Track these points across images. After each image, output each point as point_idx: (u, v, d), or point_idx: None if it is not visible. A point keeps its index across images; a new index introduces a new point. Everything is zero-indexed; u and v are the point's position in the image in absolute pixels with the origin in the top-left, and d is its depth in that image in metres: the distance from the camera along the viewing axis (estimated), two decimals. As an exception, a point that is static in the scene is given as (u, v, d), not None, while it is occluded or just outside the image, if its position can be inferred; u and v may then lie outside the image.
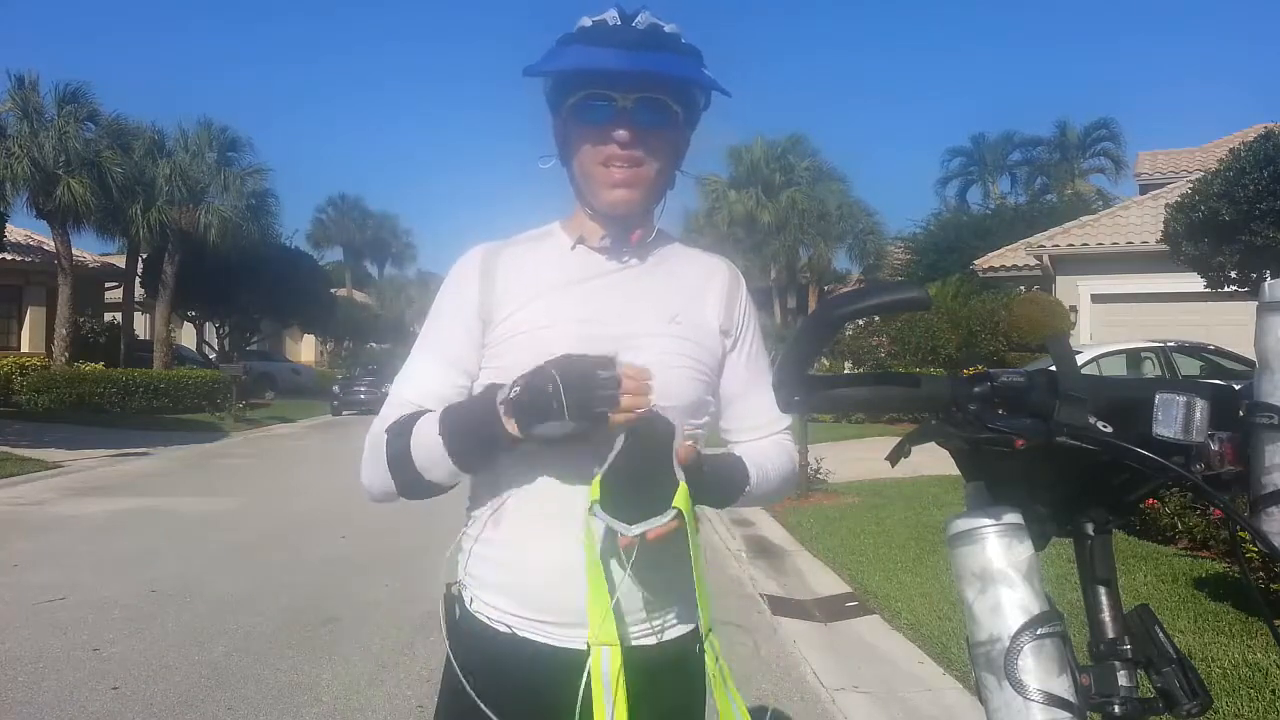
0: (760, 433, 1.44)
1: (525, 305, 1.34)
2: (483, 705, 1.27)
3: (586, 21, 1.30)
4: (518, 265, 1.38)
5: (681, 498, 1.18)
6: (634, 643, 1.30)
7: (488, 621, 1.33)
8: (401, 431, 1.28)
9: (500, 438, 1.20)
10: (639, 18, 1.28)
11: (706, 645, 1.28)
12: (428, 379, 1.35)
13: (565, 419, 1.14)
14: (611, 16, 1.28)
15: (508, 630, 1.32)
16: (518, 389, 1.18)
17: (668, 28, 1.29)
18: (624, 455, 1.18)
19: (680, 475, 1.20)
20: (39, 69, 29.33)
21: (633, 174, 1.32)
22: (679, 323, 1.37)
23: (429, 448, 1.25)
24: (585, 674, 1.22)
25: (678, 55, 1.29)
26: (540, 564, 1.30)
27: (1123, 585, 1.16)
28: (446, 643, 1.37)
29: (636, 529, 1.17)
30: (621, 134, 1.29)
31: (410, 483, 1.28)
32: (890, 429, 14.38)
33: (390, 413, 1.34)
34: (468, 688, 1.29)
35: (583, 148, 1.33)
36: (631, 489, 1.18)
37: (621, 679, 1.21)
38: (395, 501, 1.34)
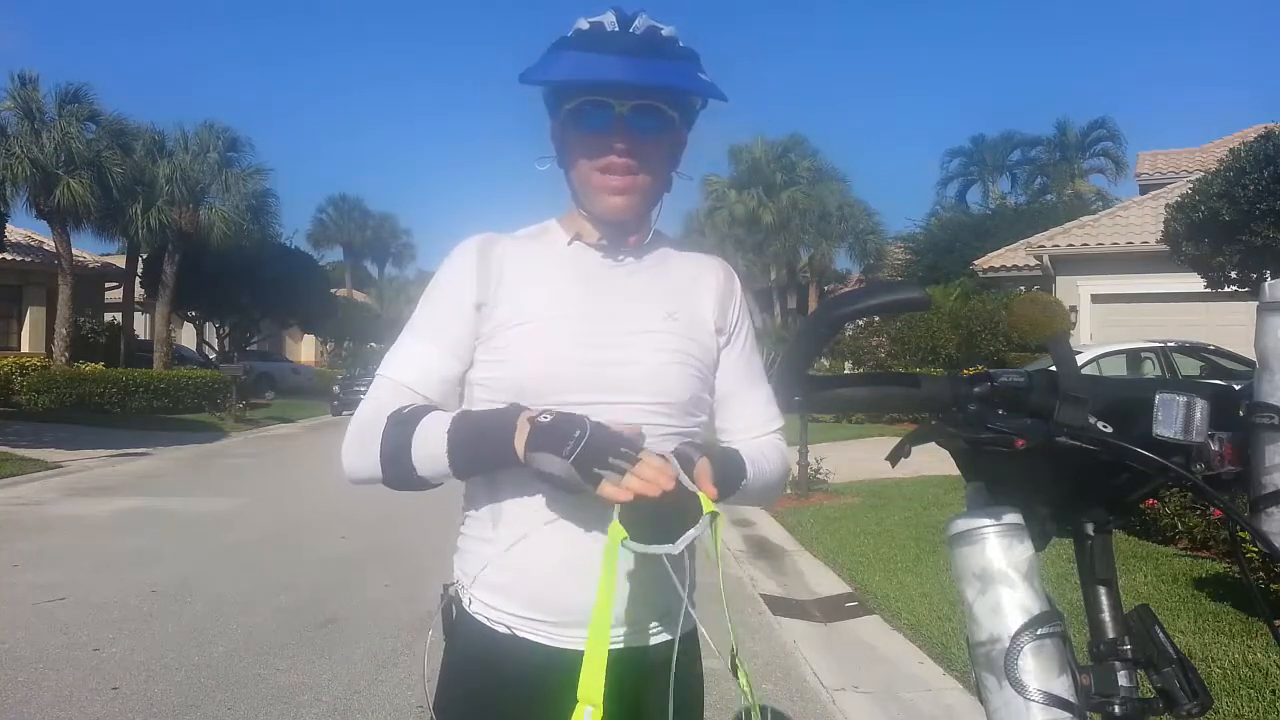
0: (754, 432, 1.43)
1: (521, 298, 1.34)
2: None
3: (583, 24, 1.28)
4: (514, 257, 1.37)
5: (708, 503, 1.16)
6: (634, 644, 1.30)
7: (486, 622, 1.33)
8: (406, 422, 1.24)
9: (506, 452, 1.18)
10: (636, 22, 1.26)
11: (740, 672, 1.22)
12: (423, 363, 1.33)
13: (568, 460, 1.13)
14: (609, 20, 1.27)
15: (506, 630, 1.31)
16: (549, 416, 1.16)
17: (665, 31, 1.28)
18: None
19: (694, 487, 1.17)
20: (40, 69, 29.37)
21: (630, 181, 1.31)
22: (675, 319, 1.36)
23: (432, 442, 1.22)
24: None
25: (675, 61, 1.28)
26: (539, 563, 1.29)
27: (1123, 585, 1.16)
28: (443, 643, 1.37)
29: (680, 544, 1.13)
30: (619, 144, 1.28)
31: (400, 477, 1.26)
32: (890, 429, 14.38)
33: (384, 396, 1.31)
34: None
35: (580, 153, 1.33)
36: (652, 514, 1.14)
37: None
38: (375, 485, 1.31)
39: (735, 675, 1.23)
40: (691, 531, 1.14)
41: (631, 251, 1.39)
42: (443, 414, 1.25)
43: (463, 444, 1.21)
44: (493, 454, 1.20)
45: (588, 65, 1.25)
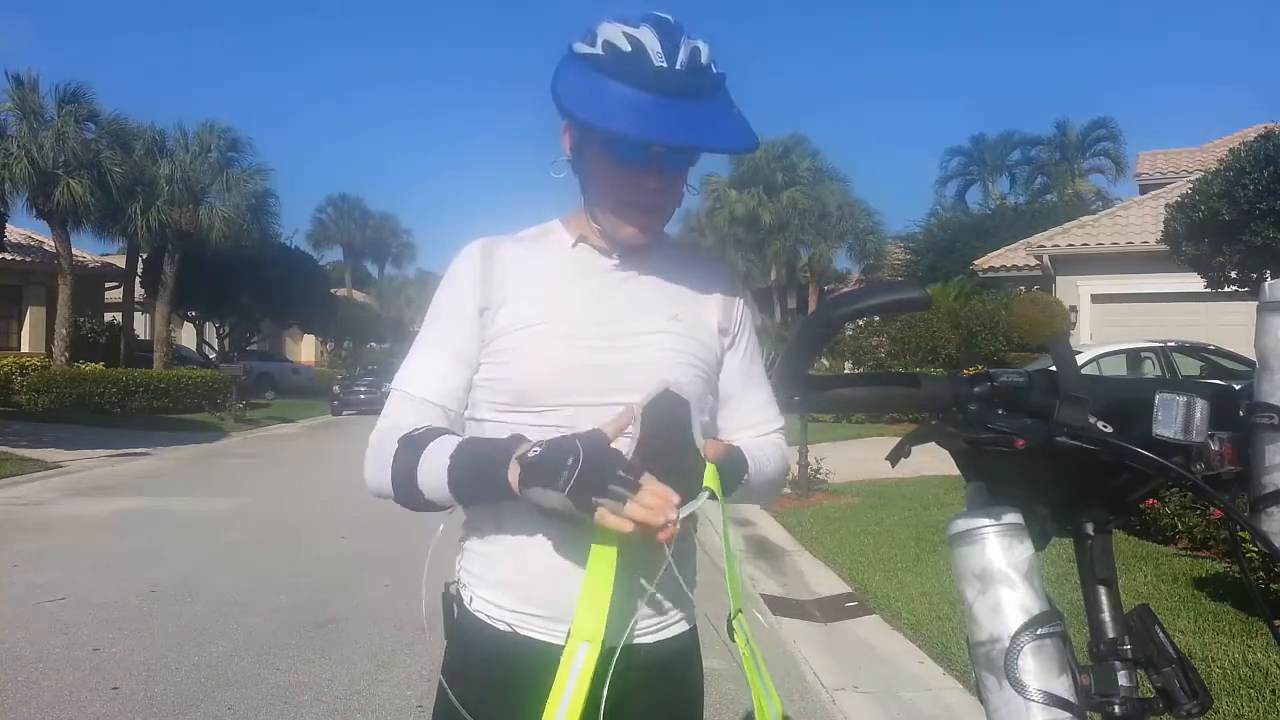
0: (755, 431, 1.44)
1: (526, 300, 1.34)
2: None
3: (622, 42, 1.23)
4: (518, 260, 1.37)
5: (711, 477, 1.16)
6: (635, 640, 1.30)
7: (487, 620, 1.33)
8: (413, 447, 1.23)
9: (503, 488, 1.14)
10: (681, 55, 1.22)
11: (735, 624, 1.24)
12: (435, 374, 1.34)
13: (564, 493, 1.06)
14: (655, 51, 1.22)
15: (508, 628, 1.31)
16: (539, 449, 1.11)
17: (703, 55, 1.24)
18: (645, 442, 1.14)
19: (704, 453, 1.17)
20: (39, 69, 29.33)
21: (654, 216, 1.33)
22: (680, 320, 1.37)
23: (435, 473, 1.21)
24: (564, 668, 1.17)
25: (715, 101, 1.26)
26: (543, 561, 1.29)
27: (1123, 585, 1.16)
28: (445, 641, 1.37)
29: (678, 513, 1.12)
30: (652, 183, 1.29)
31: (409, 497, 1.26)
32: (890, 429, 14.37)
33: (396, 411, 1.32)
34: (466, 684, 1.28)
35: (607, 179, 1.31)
36: (659, 474, 1.12)
37: (588, 681, 1.14)
38: (389, 501, 1.32)
39: (731, 638, 1.24)
40: (691, 503, 1.14)
41: (635, 254, 1.39)
42: (448, 441, 1.23)
43: (461, 481, 1.19)
44: (491, 489, 1.17)
45: (636, 114, 1.21)
